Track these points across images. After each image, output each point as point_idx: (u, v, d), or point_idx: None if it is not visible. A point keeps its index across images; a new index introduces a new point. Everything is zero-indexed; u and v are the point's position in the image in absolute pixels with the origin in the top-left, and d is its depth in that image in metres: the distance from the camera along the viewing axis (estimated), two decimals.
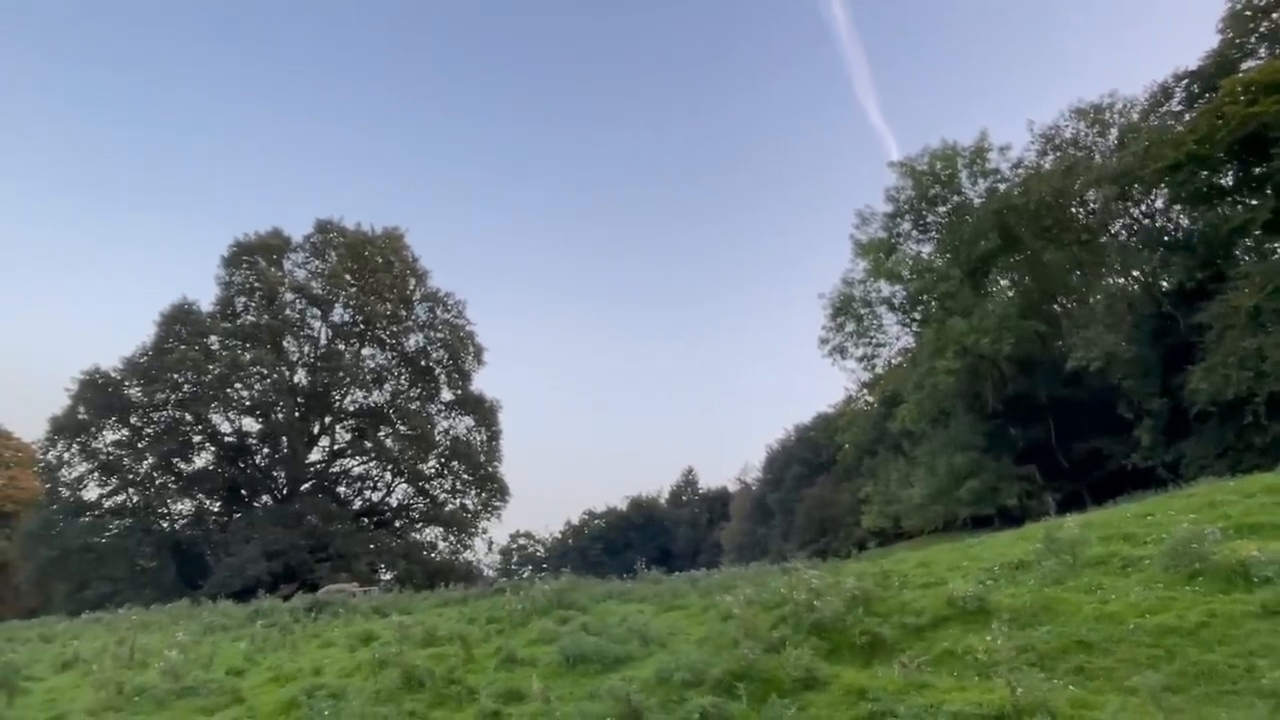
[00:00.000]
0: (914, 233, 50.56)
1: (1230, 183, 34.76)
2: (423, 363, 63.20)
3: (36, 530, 50.14)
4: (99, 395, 52.52)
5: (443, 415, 64.17)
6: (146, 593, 43.73)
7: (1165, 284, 38.28)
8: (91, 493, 53.13)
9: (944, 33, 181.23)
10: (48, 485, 53.05)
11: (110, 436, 53.83)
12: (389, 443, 60.29)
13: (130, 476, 53.75)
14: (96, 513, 52.63)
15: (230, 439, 57.71)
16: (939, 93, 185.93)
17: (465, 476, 62.56)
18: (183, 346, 53.76)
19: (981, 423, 44.23)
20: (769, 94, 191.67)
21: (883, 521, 47.95)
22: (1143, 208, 40.34)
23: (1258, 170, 32.22)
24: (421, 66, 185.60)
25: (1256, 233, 32.89)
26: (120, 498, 53.75)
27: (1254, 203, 32.60)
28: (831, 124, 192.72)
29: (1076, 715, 6.41)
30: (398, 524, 62.44)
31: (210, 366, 53.55)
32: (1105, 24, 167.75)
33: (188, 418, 55.43)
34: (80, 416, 52.28)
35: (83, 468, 52.94)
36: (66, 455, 52.58)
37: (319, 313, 59.98)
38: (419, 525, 63.10)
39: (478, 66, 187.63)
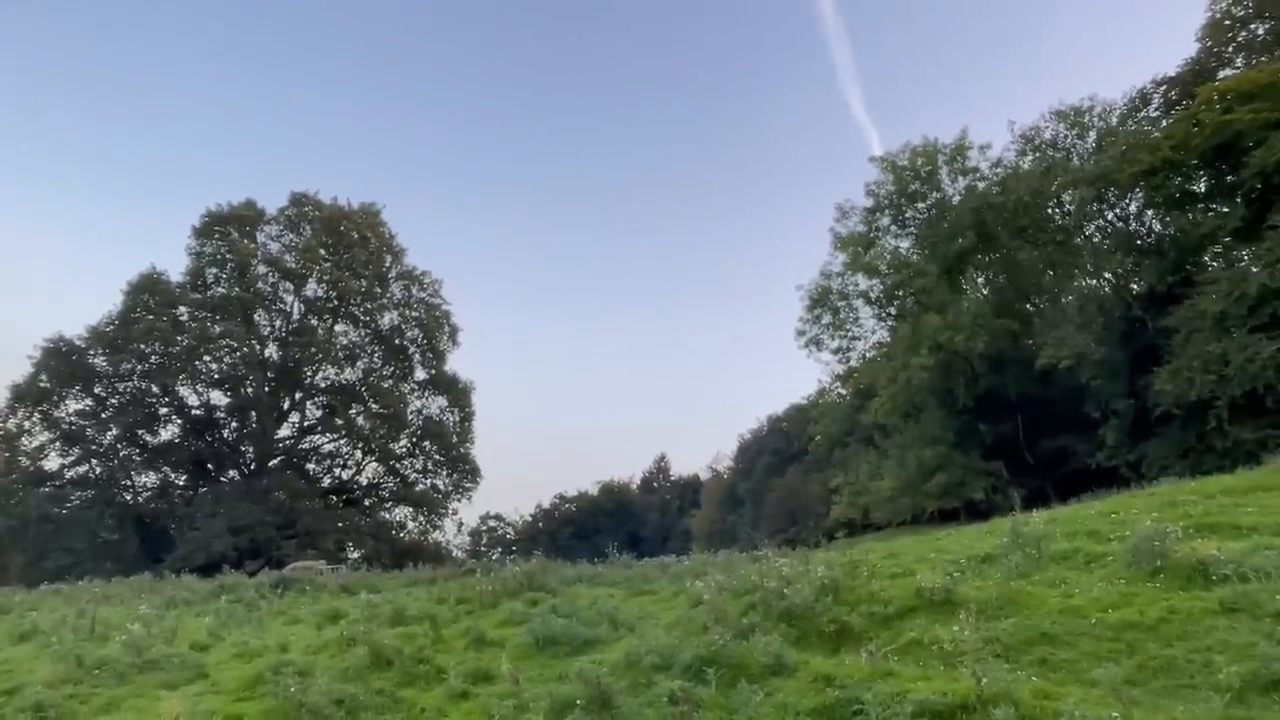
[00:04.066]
0: (893, 228, 50.93)
1: (1203, 189, 35.35)
2: (396, 341, 62.65)
3: None
4: (62, 363, 51.48)
5: (415, 395, 63.84)
6: (107, 565, 43.08)
7: (1136, 287, 38.99)
8: (52, 463, 52.42)
9: (929, 29, 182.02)
10: (6, 454, 51.96)
11: (73, 406, 53.00)
12: (360, 421, 59.82)
13: (93, 447, 52.87)
14: (57, 483, 51.75)
15: (198, 412, 56.93)
16: (922, 88, 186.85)
17: (437, 457, 62.30)
18: (150, 317, 52.85)
19: (952, 418, 44.80)
20: (752, 84, 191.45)
21: (852, 512, 48.43)
22: (1117, 211, 40.92)
23: (1230, 178, 32.73)
24: (403, 38, 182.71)
25: (1226, 239, 33.53)
26: (82, 468, 52.89)
27: (1225, 210, 33.16)
28: (814, 115, 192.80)
29: (1039, 706, 6.53)
30: (367, 503, 62.09)
31: (179, 338, 52.73)
32: (1089, 27, 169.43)
33: (154, 389, 54.59)
34: (42, 384, 51.24)
35: (44, 437, 52.16)
36: (27, 424, 51.67)
37: (291, 287, 59.17)
38: (389, 504, 62.82)
39: (461, 46, 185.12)
